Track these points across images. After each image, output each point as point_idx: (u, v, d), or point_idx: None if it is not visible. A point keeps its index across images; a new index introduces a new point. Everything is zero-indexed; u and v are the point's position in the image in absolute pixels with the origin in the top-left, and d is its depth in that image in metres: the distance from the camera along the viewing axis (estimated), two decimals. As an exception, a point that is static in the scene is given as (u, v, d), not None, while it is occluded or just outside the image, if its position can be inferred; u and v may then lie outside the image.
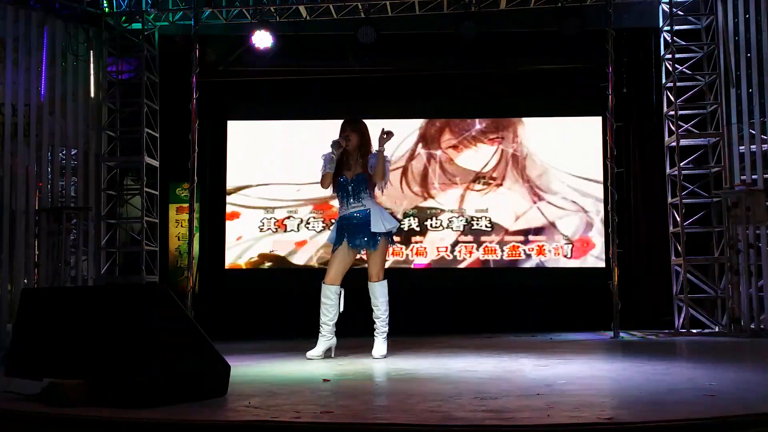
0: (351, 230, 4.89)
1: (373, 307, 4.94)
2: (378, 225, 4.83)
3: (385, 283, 4.92)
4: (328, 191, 5.06)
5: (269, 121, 8.75)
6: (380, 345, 4.91)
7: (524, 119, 8.52)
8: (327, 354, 4.92)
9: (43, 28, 7.36)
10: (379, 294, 4.89)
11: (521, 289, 8.31)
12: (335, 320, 4.93)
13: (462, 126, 8.57)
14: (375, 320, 4.94)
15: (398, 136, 8.33)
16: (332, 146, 4.85)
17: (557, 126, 8.47)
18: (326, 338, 4.90)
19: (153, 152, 7.96)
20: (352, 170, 4.94)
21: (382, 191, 5.04)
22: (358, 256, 5.09)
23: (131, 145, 7.94)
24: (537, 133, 8.50)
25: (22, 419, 2.77)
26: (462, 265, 8.39)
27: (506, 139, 8.51)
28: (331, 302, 4.88)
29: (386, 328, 4.93)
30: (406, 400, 3.01)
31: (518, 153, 8.48)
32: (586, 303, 8.10)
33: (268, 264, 8.49)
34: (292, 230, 8.48)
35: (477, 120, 8.57)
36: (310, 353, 4.86)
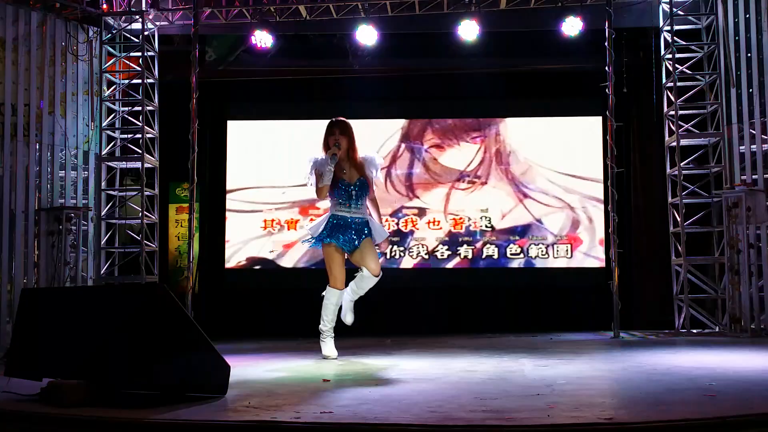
0: (344, 232, 4.87)
1: (358, 291, 4.96)
2: (376, 236, 4.92)
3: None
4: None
5: (269, 121, 8.75)
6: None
7: (519, 119, 8.54)
8: None
9: (43, 28, 7.35)
10: (367, 284, 4.94)
11: (521, 289, 8.30)
12: None
13: (447, 125, 8.57)
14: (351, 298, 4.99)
15: (386, 134, 8.43)
16: (330, 160, 4.79)
17: (556, 126, 8.48)
18: (332, 336, 4.97)
19: (153, 152, 7.96)
20: (349, 174, 4.92)
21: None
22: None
23: (131, 145, 7.94)
24: (528, 131, 8.52)
25: (22, 419, 2.77)
26: (447, 265, 8.39)
27: (489, 138, 8.52)
28: (336, 306, 4.94)
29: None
30: (406, 400, 3.01)
31: (502, 151, 8.49)
32: (586, 303, 8.10)
33: (256, 267, 8.49)
34: (281, 232, 8.49)
35: (469, 119, 8.58)
36: (332, 353, 4.90)
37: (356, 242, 4.88)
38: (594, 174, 8.37)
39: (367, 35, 7.53)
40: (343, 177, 4.90)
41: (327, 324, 4.93)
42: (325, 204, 8.44)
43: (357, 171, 4.93)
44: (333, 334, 4.98)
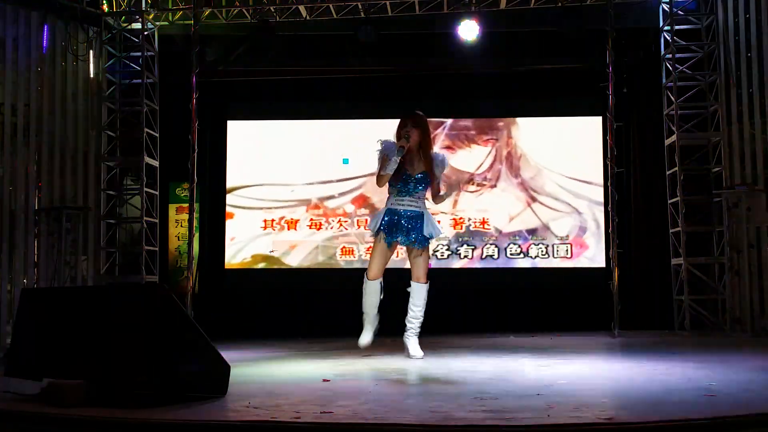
0: (401, 226, 4.80)
1: (413, 307, 4.90)
2: (430, 229, 4.83)
3: (426, 286, 4.92)
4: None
5: (269, 121, 8.75)
6: (417, 345, 4.92)
7: (520, 119, 8.52)
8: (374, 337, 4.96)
9: (43, 28, 7.35)
10: (424, 295, 4.90)
11: (521, 289, 8.30)
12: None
13: (460, 127, 8.57)
14: (413, 320, 4.91)
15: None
16: (397, 151, 4.68)
17: (557, 126, 8.48)
18: (372, 324, 4.93)
19: (153, 152, 7.96)
20: (415, 166, 4.83)
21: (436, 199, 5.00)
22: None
23: (131, 145, 7.94)
24: (534, 134, 8.50)
25: (22, 419, 2.77)
26: (457, 266, 8.38)
27: (501, 140, 8.50)
28: (376, 296, 4.88)
29: (418, 329, 4.96)
30: (406, 400, 3.01)
31: (513, 154, 8.48)
32: (586, 303, 8.09)
33: (261, 265, 8.49)
34: (287, 231, 8.48)
35: (474, 120, 8.57)
36: (361, 341, 4.88)
37: (409, 235, 4.79)
38: (599, 179, 8.33)
39: (366, 35, 7.54)
40: (407, 170, 4.81)
41: (365, 310, 4.90)
42: (336, 202, 8.62)
43: (424, 165, 4.83)
44: (374, 324, 4.89)
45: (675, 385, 3.33)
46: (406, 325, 4.95)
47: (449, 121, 8.56)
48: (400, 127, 4.83)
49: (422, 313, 4.93)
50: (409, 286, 4.95)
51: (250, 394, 3.14)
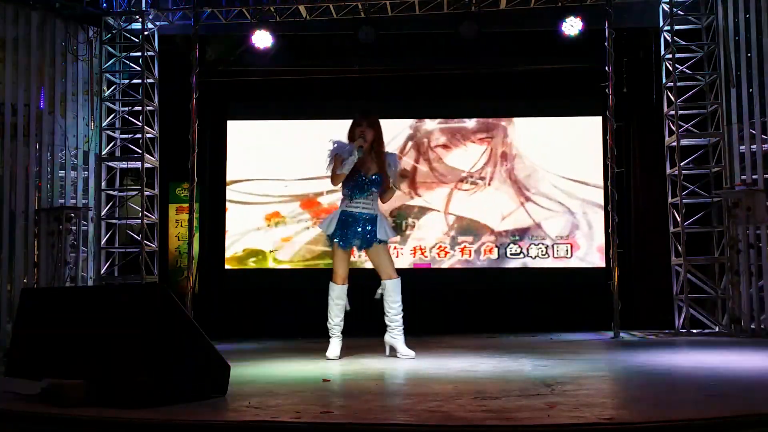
0: (352, 227, 4.81)
1: (392, 305, 4.86)
2: (383, 233, 4.83)
3: (399, 281, 4.89)
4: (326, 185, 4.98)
5: (269, 121, 8.76)
6: (403, 344, 4.89)
7: (519, 119, 8.52)
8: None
9: (43, 28, 7.36)
10: (398, 291, 4.87)
11: (521, 289, 8.30)
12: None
13: (456, 125, 8.57)
14: (395, 318, 4.88)
15: (392, 133, 8.38)
16: (356, 151, 4.72)
17: (556, 126, 8.47)
18: (339, 338, 4.92)
19: (153, 152, 7.96)
20: (367, 167, 4.85)
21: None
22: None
23: (131, 145, 7.94)
24: (534, 134, 8.50)
25: (22, 419, 2.77)
26: (446, 265, 8.37)
27: (497, 139, 8.51)
28: (343, 302, 4.91)
29: (402, 326, 4.92)
30: (406, 400, 3.01)
31: (508, 153, 8.48)
32: (586, 303, 8.10)
33: (253, 258, 8.50)
34: (279, 226, 8.49)
35: (473, 120, 8.57)
36: (331, 354, 4.85)
37: (363, 238, 4.80)
38: (596, 179, 8.33)
39: (367, 35, 7.54)
40: (361, 171, 4.83)
41: (331, 320, 4.92)
42: (329, 198, 8.61)
43: (377, 166, 4.86)
44: (338, 334, 4.91)
45: (675, 385, 3.33)
46: (388, 325, 4.91)
47: (443, 120, 8.58)
48: (353, 127, 4.85)
49: (401, 309, 4.89)
50: (379, 286, 4.90)
51: (250, 394, 3.14)
